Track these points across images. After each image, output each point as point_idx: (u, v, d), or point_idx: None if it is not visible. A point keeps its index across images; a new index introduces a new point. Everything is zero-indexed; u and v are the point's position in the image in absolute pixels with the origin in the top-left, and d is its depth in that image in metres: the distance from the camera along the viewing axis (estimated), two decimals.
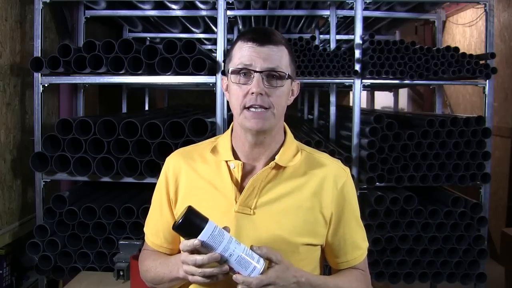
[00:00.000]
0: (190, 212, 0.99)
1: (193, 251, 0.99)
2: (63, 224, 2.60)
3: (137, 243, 2.35)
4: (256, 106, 1.08)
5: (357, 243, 1.21)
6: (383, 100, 6.63)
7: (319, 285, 1.09)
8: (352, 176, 2.75)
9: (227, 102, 2.91)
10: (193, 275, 1.00)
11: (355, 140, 2.85)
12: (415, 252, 2.78)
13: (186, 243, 0.99)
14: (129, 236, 2.56)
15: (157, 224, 1.24)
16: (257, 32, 1.12)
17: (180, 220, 0.98)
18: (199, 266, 0.98)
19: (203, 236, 0.98)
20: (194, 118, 2.67)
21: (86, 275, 2.39)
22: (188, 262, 0.99)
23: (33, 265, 2.65)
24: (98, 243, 2.60)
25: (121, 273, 2.23)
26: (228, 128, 1.23)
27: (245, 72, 1.09)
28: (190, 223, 0.98)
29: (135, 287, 2.08)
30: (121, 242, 2.36)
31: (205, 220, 0.99)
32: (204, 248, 0.98)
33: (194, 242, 0.97)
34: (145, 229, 1.28)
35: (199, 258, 0.98)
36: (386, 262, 2.79)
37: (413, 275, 2.81)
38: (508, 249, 3.36)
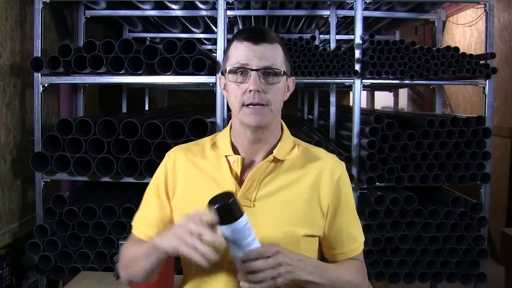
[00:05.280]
0: (235, 198, 0.99)
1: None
2: (63, 224, 2.60)
3: None
4: (254, 103, 1.11)
5: (353, 235, 1.24)
6: (383, 100, 6.63)
7: (320, 266, 1.12)
8: (352, 176, 2.79)
9: (227, 102, 2.92)
10: (195, 250, 0.96)
11: (355, 140, 2.85)
12: (415, 252, 2.78)
13: (209, 218, 0.97)
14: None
15: (155, 215, 1.23)
16: (252, 32, 1.16)
17: (230, 201, 0.97)
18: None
19: (237, 224, 0.98)
20: (194, 118, 2.67)
21: (86, 275, 2.38)
22: (199, 232, 0.96)
23: (33, 265, 2.64)
24: (98, 243, 2.60)
25: None
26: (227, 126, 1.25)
27: (242, 70, 1.13)
28: (233, 208, 0.98)
29: (135, 287, 2.08)
30: (121, 242, 2.35)
31: (242, 211, 1.00)
32: (232, 236, 0.98)
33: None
34: (135, 222, 1.27)
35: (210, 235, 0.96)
36: (386, 262, 2.79)
37: (413, 275, 2.81)
38: (508, 249, 3.36)
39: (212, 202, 1.00)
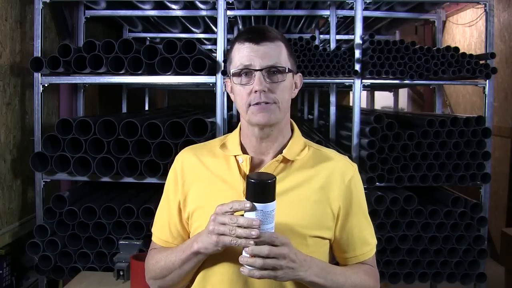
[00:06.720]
0: (275, 181, 0.99)
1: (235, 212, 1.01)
2: (63, 224, 2.60)
3: (137, 243, 2.35)
4: (261, 103, 1.10)
5: (365, 238, 1.22)
6: (383, 100, 6.63)
7: (326, 268, 1.11)
8: None
9: (227, 102, 2.92)
10: (223, 234, 1.00)
11: (355, 140, 2.85)
12: (415, 252, 2.78)
13: (241, 203, 0.99)
14: (129, 236, 2.56)
15: (164, 218, 1.24)
16: (252, 32, 1.14)
17: (270, 181, 0.98)
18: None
19: (266, 206, 0.98)
20: (194, 118, 2.66)
21: (86, 275, 2.39)
22: (227, 222, 0.99)
23: (33, 265, 2.65)
24: (98, 243, 2.60)
25: (121, 273, 2.23)
26: (229, 128, 1.25)
27: (246, 72, 1.12)
28: (271, 188, 0.99)
29: (135, 287, 2.08)
30: (121, 242, 2.36)
31: (275, 197, 1.00)
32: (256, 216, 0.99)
33: (247, 204, 0.98)
34: (154, 230, 1.28)
35: (241, 219, 0.99)
36: (386, 262, 2.79)
37: (413, 275, 2.81)
38: (508, 249, 3.36)
39: (252, 176, 1.00)
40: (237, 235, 0.98)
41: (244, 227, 0.98)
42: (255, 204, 0.98)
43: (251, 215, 0.98)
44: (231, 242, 0.99)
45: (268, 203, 0.98)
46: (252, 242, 0.97)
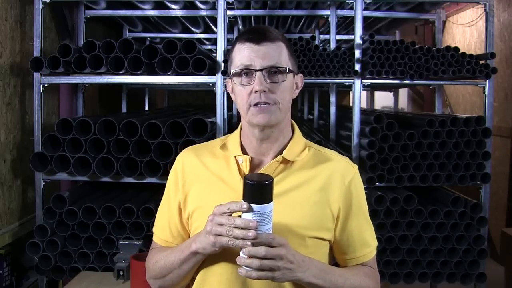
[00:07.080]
0: (272, 182, 1.00)
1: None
2: (63, 224, 2.60)
3: (137, 243, 2.35)
4: (262, 103, 1.11)
5: (366, 240, 1.21)
6: (383, 100, 6.63)
7: (325, 269, 1.10)
8: None
9: (227, 102, 2.92)
10: (220, 235, 1.00)
11: (355, 140, 2.85)
12: (415, 252, 2.78)
13: (238, 204, 0.99)
14: (129, 236, 2.56)
15: (165, 218, 1.25)
16: (253, 32, 1.15)
17: (267, 182, 0.98)
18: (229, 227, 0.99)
19: (263, 208, 0.98)
20: (194, 118, 2.67)
21: (86, 275, 2.39)
22: (224, 223, 1.00)
23: (33, 265, 2.65)
24: (98, 243, 2.60)
25: (121, 273, 2.23)
26: (229, 128, 1.25)
27: (247, 72, 1.12)
28: (268, 190, 0.99)
29: (135, 287, 2.08)
30: (121, 242, 2.36)
31: (272, 198, 1.00)
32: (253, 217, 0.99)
33: (244, 205, 0.98)
34: (155, 229, 1.28)
35: (239, 220, 0.99)
36: (386, 262, 2.79)
37: (413, 275, 2.81)
38: (508, 249, 3.36)
39: (249, 177, 1.00)
40: (234, 236, 0.98)
41: (241, 228, 0.98)
42: (252, 205, 0.98)
43: (248, 216, 0.98)
44: (228, 243, 0.99)
45: (265, 204, 0.98)
46: (249, 243, 0.97)
